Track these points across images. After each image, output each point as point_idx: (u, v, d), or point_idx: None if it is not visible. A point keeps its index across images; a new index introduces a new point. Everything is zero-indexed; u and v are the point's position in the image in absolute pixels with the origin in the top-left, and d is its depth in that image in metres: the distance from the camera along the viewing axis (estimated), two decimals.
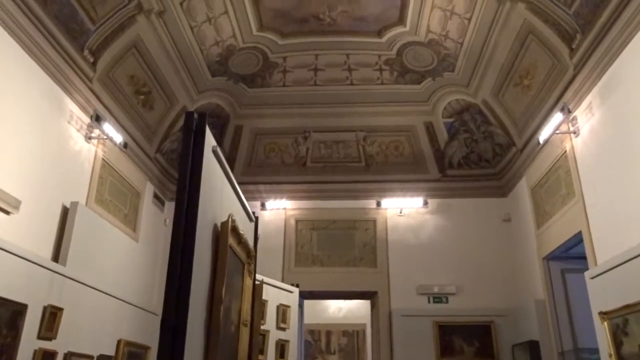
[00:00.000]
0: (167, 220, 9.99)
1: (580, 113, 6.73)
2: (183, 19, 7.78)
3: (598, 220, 6.35)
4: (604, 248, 6.18)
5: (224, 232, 2.70)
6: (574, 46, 6.47)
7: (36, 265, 5.41)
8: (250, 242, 3.50)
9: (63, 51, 6.34)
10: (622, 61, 5.72)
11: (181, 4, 7.55)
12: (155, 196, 9.65)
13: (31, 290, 5.28)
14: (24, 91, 5.79)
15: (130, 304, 7.72)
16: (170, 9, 7.50)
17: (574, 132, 6.85)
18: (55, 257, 6.24)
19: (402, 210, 10.25)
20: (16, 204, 5.45)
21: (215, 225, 2.70)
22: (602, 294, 5.70)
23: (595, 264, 6.29)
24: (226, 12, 8.10)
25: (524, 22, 7.10)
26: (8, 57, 5.52)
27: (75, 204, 6.57)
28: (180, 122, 9.13)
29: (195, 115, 2.72)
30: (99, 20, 6.71)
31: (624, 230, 5.65)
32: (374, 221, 10.32)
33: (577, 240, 6.94)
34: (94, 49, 6.89)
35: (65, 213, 6.48)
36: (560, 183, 7.45)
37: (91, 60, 6.91)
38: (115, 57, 7.33)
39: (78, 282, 6.25)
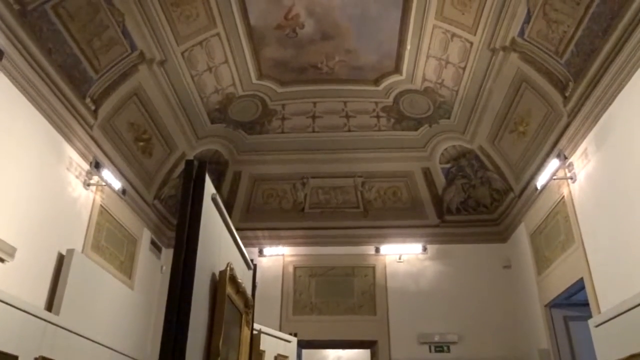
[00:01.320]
0: (164, 267, 9.87)
1: (576, 159, 6.79)
2: (184, 68, 7.95)
3: (599, 267, 6.29)
4: (607, 295, 6.09)
5: (222, 282, 2.66)
6: (567, 94, 6.60)
7: (29, 315, 5.29)
8: (249, 291, 3.44)
9: (65, 99, 6.43)
10: (614, 109, 5.82)
11: (183, 53, 7.74)
12: (152, 243, 9.57)
13: (23, 341, 5.14)
14: (24, 138, 5.83)
15: (124, 354, 7.50)
16: (172, 59, 7.68)
17: (571, 178, 6.89)
18: (49, 306, 6.11)
19: (401, 256, 10.16)
20: (11, 252, 5.38)
21: (214, 274, 2.66)
22: (607, 342, 5.57)
23: (599, 311, 6.18)
24: (226, 61, 8.30)
25: (517, 71, 7.27)
26: (10, 104, 5.58)
27: (71, 252, 6.49)
28: (179, 168, 9.18)
29: (196, 163, 2.73)
30: (102, 69, 6.85)
31: (627, 277, 5.59)
32: (373, 267, 10.21)
33: (579, 287, 6.85)
34: (96, 97, 7.00)
35: (60, 261, 6.40)
36: (560, 229, 7.42)
37: (92, 107, 7.01)
38: (117, 105, 7.44)
39: (71, 332, 6.09)
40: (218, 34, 7.76)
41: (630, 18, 5.19)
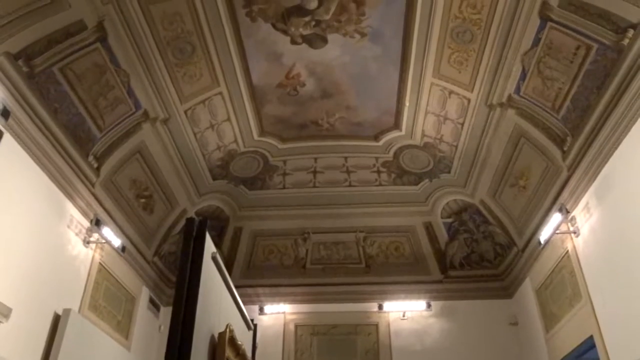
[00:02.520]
0: (162, 327, 9.62)
1: (578, 213, 6.76)
2: (187, 126, 8.09)
3: (609, 324, 6.11)
4: (619, 354, 5.88)
5: (221, 344, 2.58)
6: (565, 148, 6.66)
7: None
8: (249, 353, 3.33)
9: (69, 157, 6.50)
10: (613, 163, 5.86)
11: (186, 111, 7.89)
12: (151, 301, 9.38)
13: None
14: (26, 196, 5.84)
15: None
16: (175, 117, 7.82)
17: (574, 232, 6.84)
18: None
19: (405, 313, 9.92)
20: (6, 312, 5.26)
21: (213, 336, 2.58)
22: None
23: None
24: (229, 119, 8.45)
25: (515, 127, 7.37)
26: (13, 162, 5.64)
27: (67, 312, 6.34)
28: (180, 225, 9.14)
29: (196, 221, 2.72)
30: (106, 127, 6.96)
31: (639, 334, 5.42)
32: (376, 325, 9.94)
33: (589, 345, 6.63)
34: (99, 155, 7.07)
35: (56, 321, 6.24)
36: (566, 284, 7.28)
37: (95, 165, 7.06)
38: (119, 163, 7.51)
39: None
40: (221, 93, 7.94)
41: (623, 75, 5.33)
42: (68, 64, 5.99)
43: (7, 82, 5.35)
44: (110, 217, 7.71)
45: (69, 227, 6.75)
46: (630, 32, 5.06)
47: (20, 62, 5.40)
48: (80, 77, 6.20)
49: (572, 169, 6.67)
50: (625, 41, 5.15)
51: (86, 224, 7.18)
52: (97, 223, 7.25)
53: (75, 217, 6.93)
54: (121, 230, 7.99)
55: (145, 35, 6.62)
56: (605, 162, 6.00)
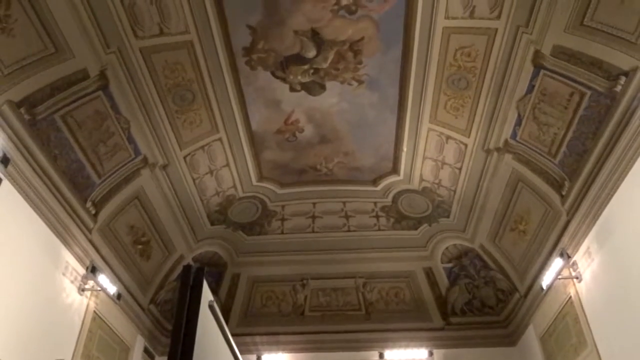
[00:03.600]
0: None
1: (579, 258, 6.69)
2: (186, 171, 8.11)
3: None
4: None
5: None
6: (563, 193, 6.67)
7: None
8: None
9: (66, 203, 6.48)
10: (613, 207, 5.85)
11: (185, 157, 7.94)
12: (146, 350, 9.12)
13: None
14: (22, 244, 5.78)
15: None
16: (174, 163, 7.86)
17: (577, 278, 6.75)
18: None
19: None
20: None
21: None
22: None
23: None
24: (227, 164, 8.50)
25: (512, 171, 7.41)
26: (11, 210, 5.61)
27: None
28: (177, 271, 9.03)
29: (193, 269, 2.67)
30: (105, 173, 6.98)
31: None
32: None
33: None
34: (97, 201, 7.05)
35: None
36: (570, 331, 7.13)
37: (93, 211, 7.03)
38: (117, 209, 7.48)
39: None
40: (220, 139, 8.01)
41: (617, 121, 5.40)
42: (70, 111, 6.08)
43: (8, 130, 5.39)
44: (107, 263, 7.60)
45: (64, 274, 6.65)
46: (622, 79, 5.17)
47: (22, 110, 5.47)
48: (81, 124, 6.27)
49: (571, 214, 6.65)
50: (618, 88, 5.25)
51: (82, 271, 7.07)
52: (92, 270, 7.14)
53: (71, 264, 6.83)
54: (117, 278, 7.87)
55: (147, 83, 6.74)
56: (604, 207, 6.00)
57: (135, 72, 6.55)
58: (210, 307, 2.80)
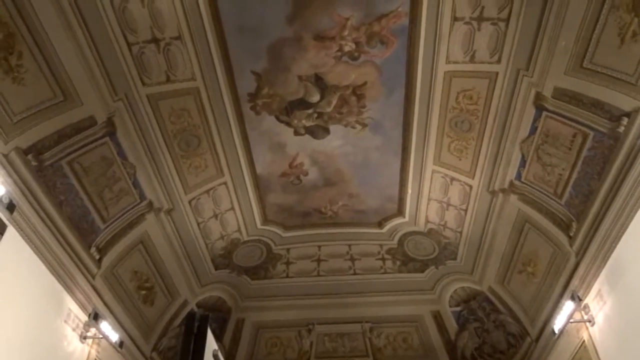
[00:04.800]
0: None
1: (591, 300, 6.55)
2: (191, 215, 8.11)
3: None
4: None
5: None
6: (571, 234, 6.59)
7: None
8: None
9: (70, 249, 6.44)
10: (622, 248, 5.77)
11: (190, 202, 7.96)
12: None
13: None
14: (25, 290, 5.72)
15: None
16: (179, 207, 7.87)
17: (589, 321, 6.58)
18: None
19: None
20: None
21: None
22: None
23: None
24: (232, 208, 8.50)
25: (518, 212, 7.36)
26: (15, 256, 5.58)
27: None
28: (181, 317, 8.88)
29: (197, 316, 2.63)
30: (110, 219, 6.97)
31: None
32: None
33: None
34: (102, 246, 7.02)
35: None
36: None
37: (97, 257, 6.98)
38: (121, 254, 7.44)
39: None
40: (225, 183, 8.05)
41: (622, 161, 5.39)
42: (76, 157, 6.14)
43: (15, 176, 5.43)
44: (109, 310, 7.48)
45: (66, 321, 6.54)
46: (625, 120, 5.19)
47: (30, 157, 5.53)
48: (87, 170, 6.32)
49: (580, 255, 6.55)
50: (621, 129, 5.26)
51: (84, 318, 6.95)
52: (95, 317, 7.01)
53: (73, 311, 6.73)
54: (119, 324, 7.73)
55: (153, 129, 6.85)
56: (614, 248, 5.91)
57: (142, 118, 6.67)
58: (215, 356, 2.75)
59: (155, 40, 6.06)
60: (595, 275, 6.38)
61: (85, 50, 5.69)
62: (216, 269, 9.32)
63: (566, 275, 7.01)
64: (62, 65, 5.54)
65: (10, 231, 5.48)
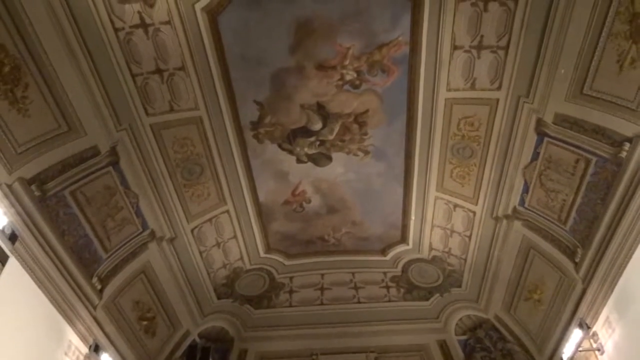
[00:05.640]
0: None
1: (599, 328, 6.43)
2: (193, 244, 8.08)
3: None
4: None
5: None
6: (577, 260, 6.51)
7: None
8: None
9: (72, 280, 6.38)
10: (629, 274, 5.69)
11: (192, 230, 7.93)
12: None
13: None
14: (25, 322, 5.65)
15: None
16: (182, 236, 7.84)
17: (598, 350, 6.44)
18: None
19: None
20: None
21: None
22: None
23: None
24: (235, 236, 8.47)
25: (523, 238, 7.31)
26: (16, 287, 5.53)
27: None
28: (183, 347, 8.73)
29: (199, 347, 2.58)
30: (112, 248, 6.94)
31: None
32: None
33: None
34: (103, 277, 6.96)
35: None
36: None
37: (99, 287, 6.92)
38: (123, 284, 7.37)
39: None
40: (228, 211, 8.04)
41: (625, 186, 5.37)
42: (79, 187, 6.15)
43: (18, 206, 5.43)
44: (110, 341, 7.37)
45: (66, 353, 6.43)
46: (627, 146, 5.19)
47: (33, 187, 5.54)
48: (90, 199, 6.32)
49: (586, 282, 6.47)
50: (623, 154, 5.26)
51: (84, 350, 6.84)
52: (95, 349, 6.92)
53: (74, 343, 6.62)
54: (121, 356, 7.60)
55: (156, 158, 6.88)
56: (621, 274, 5.84)
57: (145, 148, 6.71)
58: None
59: (159, 71, 6.15)
60: (603, 303, 6.28)
61: (90, 81, 5.78)
62: (218, 299, 9.22)
63: (573, 302, 6.90)
64: (67, 96, 5.62)
65: (12, 262, 5.45)
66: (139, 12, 5.59)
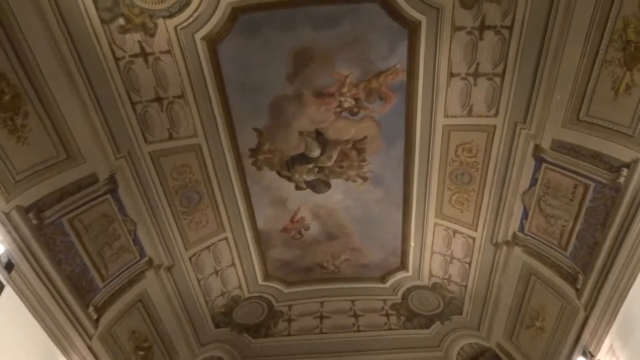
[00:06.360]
0: None
1: (603, 356, 6.32)
2: (191, 272, 8.01)
3: None
4: None
5: None
6: (578, 287, 6.45)
7: None
8: None
9: (68, 309, 6.29)
10: (632, 300, 5.63)
11: (190, 258, 7.87)
12: None
13: None
14: (18, 352, 5.54)
15: None
16: (180, 264, 7.78)
17: None
18: None
19: None
20: None
21: None
22: None
23: None
24: (233, 264, 8.40)
25: (523, 265, 7.26)
26: (10, 316, 5.44)
27: None
28: None
29: None
30: (109, 277, 6.87)
31: None
32: None
33: None
34: (99, 306, 6.86)
35: None
36: None
37: (95, 317, 6.81)
38: (120, 313, 7.26)
39: None
40: (226, 238, 8.00)
41: (624, 212, 5.36)
42: (77, 215, 6.12)
43: (15, 234, 5.39)
44: None
45: None
46: (625, 171, 5.21)
47: (30, 215, 5.51)
48: (87, 227, 6.29)
49: (589, 308, 6.39)
50: (621, 179, 5.27)
51: None
52: None
53: None
54: None
55: (155, 186, 6.88)
56: (623, 300, 5.77)
57: (144, 175, 6.71)
58: None
59: (158, 99, 6.20)
60: (606, 330, 6.19)
61: (90, 109, 5.83)
62: (216, 328, 9.09)
63: (576, 329, 6.81)
64: (67, 124, 5.65)
65: (7, 291, 5.39)
66: (139, 42, 5.67)
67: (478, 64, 5.99)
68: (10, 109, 5.03)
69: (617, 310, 5.91)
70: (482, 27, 5.68)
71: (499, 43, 5.77)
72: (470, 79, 6.16)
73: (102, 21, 5.41)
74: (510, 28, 5.61)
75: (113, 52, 5.68)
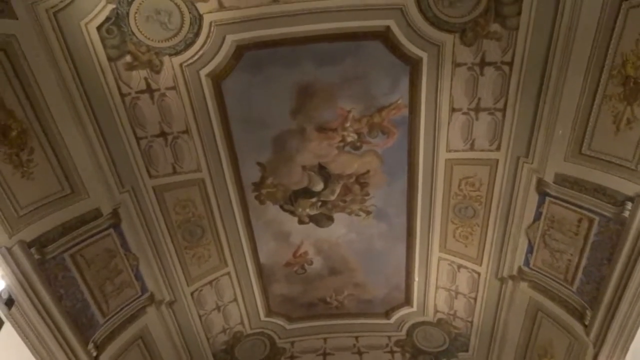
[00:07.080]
0: None
1: None
2: (192, 308, 7.90)
3: None
4: None
5: None
6: (586, 322, 6.33)
7: None
8: None
9: (67, 346, 6.17)
10: None
11: (192, 293, 7.79)
12: None
13: None
14: None
15: None
16: (181, 299, 7.69)
17: None
18: None
19: None
20: None
21: None
22: None
23: None
24: (235, 299, 8.30)
25: (530, 300, 7.15)
26: (8, 352, 5.36)
27: None
28: None
29: None
30: (110, 313, 6.78)
31: None
32: None
33: None
34: (99, 342, 6.74)
35: None
36: None
37: (94, 354, 6.68)
38: (120, 350, 7.13)
39: None
40: (228, 273, 7.93)
41: (630, 246, 5.31)
42: (79, 250, 6.10)
43: (16, 270, 5.35)
44: None
45: None
46: (629, 205, 5.19)
47: (32, 250, 5.48)
48: (89, 262, 6.25)
49: (598, 345, 6.25)
50: (626, 213, 5.25)
51: None
52: None
53: None
54: None
55: (158, 220, 6.87)
56: (633, 336, 5.66)
57: (147, 210, 6.71)
58: None
59: (163, 135, 6.26)
60: None
61: (95, 144, 5.88)
62: None
63: None
64: (72, 160, 5.68)
65: (7, 327, 5.31)
66: (145, 78, 5.76)
67: (479, 99, 6.06)
68: (16, 145, 5.07)
69: (627, 346, 5.79)
70: (483, 63, 5.77)
71: (499, 78, 5.85)
72: (472, 113, 6.22)
73: (109, 58, 5.51)
74: (510, 64, 5.69)
75: (119, 89, 5.76)
